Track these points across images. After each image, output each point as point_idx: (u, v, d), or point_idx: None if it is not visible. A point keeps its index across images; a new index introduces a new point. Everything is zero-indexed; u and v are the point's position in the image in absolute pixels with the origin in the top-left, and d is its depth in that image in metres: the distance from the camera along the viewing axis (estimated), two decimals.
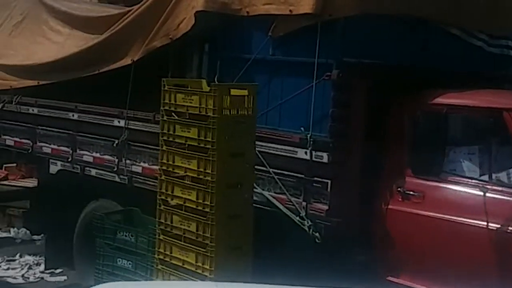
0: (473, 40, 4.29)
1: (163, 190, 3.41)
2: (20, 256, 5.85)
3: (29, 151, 5.24)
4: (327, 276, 3.49)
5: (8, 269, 5.60)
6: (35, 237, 6.29)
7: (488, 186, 3.38)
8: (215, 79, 3.99)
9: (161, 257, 3.40)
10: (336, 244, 3.65)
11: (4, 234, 6.48)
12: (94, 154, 4.79)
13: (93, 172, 4.80)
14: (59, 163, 5.02)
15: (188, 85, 3.43)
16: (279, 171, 3.76)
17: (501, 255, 3.32)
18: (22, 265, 5.68)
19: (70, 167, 4.94)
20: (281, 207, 3.72)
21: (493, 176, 3.42)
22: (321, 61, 3.65)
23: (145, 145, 4.47)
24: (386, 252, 3.69)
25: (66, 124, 4.96)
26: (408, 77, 3.76)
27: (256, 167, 3.51)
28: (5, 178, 6.65)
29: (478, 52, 4.30)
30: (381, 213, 3.70)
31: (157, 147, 4.29)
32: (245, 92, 3.29)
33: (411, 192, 3.63)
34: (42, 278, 5.42)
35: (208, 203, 3.20)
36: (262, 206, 3.69)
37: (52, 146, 5.06)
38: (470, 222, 3.40)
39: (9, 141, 5.43)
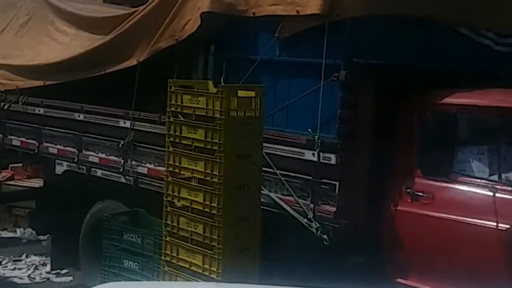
0: (481, 39, 4.25)
1: (170, 192, 3.40)
2: (26, 256, 5.86)
3: (35, 152, 5.24)
4: (335, 278, 3.47)
5: (14, 269, 5.61)
6: (41, 237, 6.30)
7: (498, 186, 3.35)
8: (221, 80, 3.97)
9: (168, 258, 3.38)
10: (344, 246, 3.63)
11: (10, 234, 6.50)
12: (100, 154, 4.78)
13: (99, 173, 4.79)
14: (65, 163, 5.02)
15: (194, 86, 3.41)
16: (286, 173, 3.73)
17: (511, 256, 3.29)
18: (28, 265, 5.69)
19: (76, 168, 4.94)
20: (288, 209, 3.69)
21: (503, 176, 3.39)
22: (328, 61, 3.63)
23: (150, 146, 4.46)
24: (395, 254, 3.66)
25: (72, 124, 4.96)
26: (416, 77, 3.73)
27: (263, 168, 3.49)
28: (11, 178, 6.65)
29: (486, 51, 4.26)
30: (390, 214, 3.67)
31: (163, 148, 4.28)
32: (252, 94, 3.27)
33: (420, 193, 3.60)
34: (48, 278, 5.42)
35: (215, 205, 3.18)
36: (269, 208, 3.67)
37: (58, 146, 5.06)
38: (480, 223, 3.37)
39: (16, 141, 5.43)
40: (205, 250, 3.21)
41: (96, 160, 4.79)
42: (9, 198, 6.18)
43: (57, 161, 5.07)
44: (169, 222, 3.38)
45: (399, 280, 3.64)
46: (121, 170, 4.61)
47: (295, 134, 3.75)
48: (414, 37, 3.94)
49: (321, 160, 3.61)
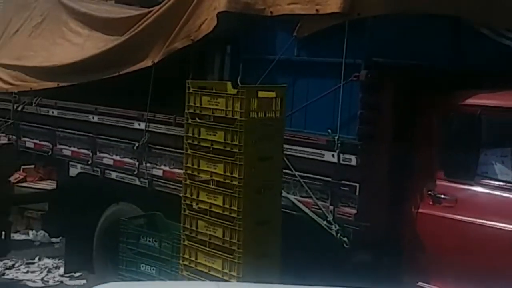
0: (501, 39, 4.17)
1: (188, 195, 3.34)
2: (39, 259, 5.82)
3: (49, 154, 5.21)
4: (354, 281, 3.39)
5: (27, 272, 5.57)
6: (54, 239, 6.26)
7: None
8: (238, 81, 3.91)
9: (186, 263, 3.32)
10: (365, 249, 3.56)
11: (23, 237, 6.46)
12: (114, 157, 4.74)
13: (113, 175, 4.75)
14: (79, 165, 4.98)
15: (212, 87, 3.35)
16: (305, 174, 3.67)
17: None
18: (41, 268, 5.64)
19: (90, 170, 4.89)
20: (307, 211, 3.63)
21: None
22: (348, 61, 3.56)
23: (166, 148, 4.41)
24: (416, 257, 3.59)
25: (86, 126, 4.92)
26: (438, 77, 3.65)
27: None
28: (24, 180, 6.62)
29: (507, 51, 4.17)
30: (411, 217, 3.60)
31: (178, 150, 4.27)
32: (273, 94, 3.21)
33: (443, 196, 3.52)
34: (62, 281, 5.37)
35: (235, 208, 3.11)
36: (287, 210, 3.60)
37: (72, 148, 5.02)
38: (503, 227, 3.29)
39: (29, 143, 5.41)
40: (225, 254, 3.14)
41: (111, 162, 4.75)
42: (21, 200, 6.14)
43: (71, 163, 5.04)
44: (187, 226, 3.33)
45: (420, 284, 3.56)
46: (135, 172, 4.56)
47: (314, 135, 3.69)
48: (435, 36, 3.87)
49: (341, 161, 3.54)
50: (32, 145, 5.39)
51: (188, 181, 3.34)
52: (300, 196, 3.68)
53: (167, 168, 4.39)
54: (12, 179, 5.44)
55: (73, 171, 5.03)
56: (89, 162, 4.88)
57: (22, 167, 6.68)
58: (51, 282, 5.36)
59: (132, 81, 4.67)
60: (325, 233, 3.53)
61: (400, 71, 3.58)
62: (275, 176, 3.24)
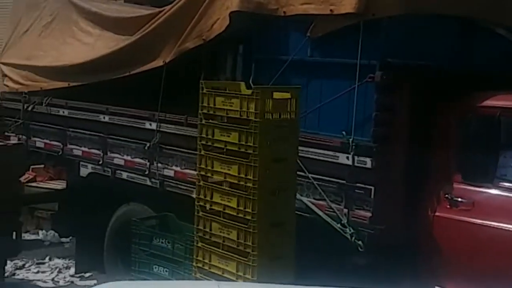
0: None
1: (201, 196, 3.31)
2: (50, 259, 5.81)
3: (59, 153, 5.20)
4: (369, 284, 3.36)
5: (37, 272, 5.56)
6: (64, 239, 6.25)
7: None
8: (250, 82, 3.88)
9: (200, 265, 3.29)
10: (380, 253, 3.51)
11: (33, 237, 6.45)
12: (125, 157, 4.72)
13: (124, 175, 4.73)
14: (89, 165, 4.96)
15: (226, 88, 3.31)
16: (318, 177, 3.63)
17: None
18: (51, 268, 5.64)
19: (101, 170, 4.87)
20: (321, 214, 3.59)
21: None
22: (363, 62, 3.51)
23: (177, 149, 4.38)
24: (432, 261, 3.54)
25: (97, 126, 4.90)
26: (454, 78, 3.60)
27: None
28: (33, 179, 6.61)
29: None
30: (427, 220, 3.55)
31: (189, 151, 4.24)
32: (287, 95, 3.17)
33: (460, 199, 3.47)
34: (72, 282, 5.36)
35: (250, 210, 3.08)
36: (301, 213, 3.56)
37: (83, 148, 5.00)
38: None
39: (39, 143, 5.39)
40: (239, 256, 3.11)
41: (122, 162, 4.73)
42: (31, 200, 6.13)
43: (81, 163, 5.02)
44: (201, 227, 3.29)
45: (437, 287, 3.52)
46: (147, 172, 4.54)
47: (328, 136, 3.64)
48: (451, 37, 3.82)
49: (356, 164, 3.50)
50: (42, 145, 5.37)
51: (201, 182, 3.30)
52: (314, 199, 3.64)
53: (178, 168, 4.37)
54: (22, 179, 5.43)
55: (83, 171, 5.02)
56: (100, 162, 4.86)
57: (32, 166, 6.68)
58: (61, 283, 5.35)
59: (143, 81, 4.65)
60: (339, 236, 3.49)
61: (416, 72, 3.53)
62: (289, 177, 3.21)
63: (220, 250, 3.21)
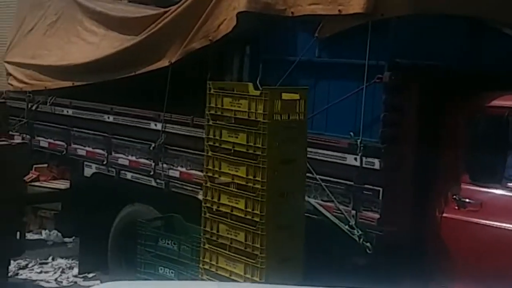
0: None
1: (209, 198, 3.28)
2: (53, 259, 5.79)
3: (63, 153, 5.18)
4: (377, 286, 3.34)
5: (41, 272, 5.54)
6: (67, 239, 6.23)
7: None
8: (257, 82, 3.85)
9: (206, 267, 3.27)
10: (388, 254, 3.49)
11: (36, 236, 6.43)
12: (130, 157, 4.70)
13: (129, 175, 4.70)
14: (94, 165, 4.94)
15: (234, 88, 3.29)
16: (326, 178, 3.61)
17: None
18: (55, 268, 5.61)
19: (105, 170, 4.85)
20: (328, 215, 3.56)
21: None
22: (371, 62, 3.49)
23: (183, 149, 4.36)
24: (441, 262, 3.52)
25: (102, 126, 4.88)
26: (463, 78, 3.58)
27: None
28: (36, 179, 6.59)
29: None
30: (435, 221, 3.53)
31: (195, 151, 4.22)
32: (296, 96, 3.14)
33: (468, 200, 3.45)
34: (75, 282, 5.34)
35: (258, 212, 3.05)
36: (308, 214, 3.53)
37: (87, 148, 4.98)
38: None
39: (43, 143, 5.37)
40: (247, 259, 3.09)
41: (126, 162, 4.70)
42: (35, 199, 6.11)
43: (85, 163, 5.00)
44: (208, 229, 3.27)
45: None
46: (151, 173, 4.52)
47: (336, 137, 3.62)
48: (459, 37, 3.80)
49: (364, 165, 3.47)
50: (46, 145, 5.35)
51: (208, 184, 3.28)
52: (322, 200, 3.62)
53: (184, 169, 4.34)
54: (25, 178, 5.40)
55: (87, 171, 5.00)
56: (104, 162, 4.83)
57: (35, 166, 6.66)
58: (65, 283, 5.33)
59: (148, 81, 4.63)
60: (347, 237, 3.47)
61: (425, 72, 3.51)
62: (298, 179, 3.18)
63: (228, 252, 3.18)
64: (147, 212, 4.59)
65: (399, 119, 3.50)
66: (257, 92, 3.12)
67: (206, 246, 3.28)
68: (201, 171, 4.14)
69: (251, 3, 3.87)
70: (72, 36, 5.21)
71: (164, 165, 4.44)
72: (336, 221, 3.52)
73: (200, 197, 4.14)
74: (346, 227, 3.48)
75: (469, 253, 3.43)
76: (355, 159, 3.49)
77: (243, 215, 3.12)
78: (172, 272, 3.72)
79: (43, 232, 6.47)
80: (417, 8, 3.51)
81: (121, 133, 4.76)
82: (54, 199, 6.04)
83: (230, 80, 4.17)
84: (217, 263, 3.23)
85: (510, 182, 3.36)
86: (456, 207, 3.49)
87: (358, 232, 3.44)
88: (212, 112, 3.27)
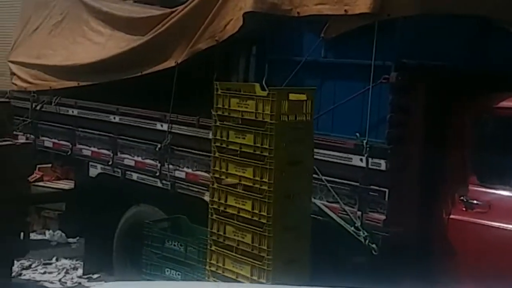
0: None
1: (215, 199, 3.27)
2: (57, 260, 5.78)
3: (68, 153, 5.17)
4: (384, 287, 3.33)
5: (44, 273, 5.53)
6: (71, 240, 6.22)
7: None
8: (263, 82, 3.84)
9: (213, 269, 3.26)
10: (394, 256, 3.48)
11: (39, 237, 6.42)
12: (135, 158, 4.69)
13: (135, 176, 4.69)
14: (99, 166, 4.93)
15: (240, 89, 3.28)
16: (331, 179, 3.59)
17: None
18: (59, 269, 5.60)
19: (110, 171, 4.84)
20: (334, 216, 3.55)
21: None
22: (378, 63, 3.48)
23: (189, 150, 4.35)
24: (447, 264, 3.50)
25: (107, 126, 4.87)
26: (470, 79, 3.56)
27: None
28: (40, 179, 6.59)
29: None
30: (442, 223, 3.51)
31: (201, 152, 4.22)
32: (303, 97, 3.13)
33: (475, 201, 3.43)
34: (80, 283, 5.33)
35: (265, 213, 3.04)
36: (314, 215, 3.52)
37: (92, 148, 4.98)
38: None
39: (48, 143, 5.37)
40: (253, 260, 3.08)
41: (132, 163, 4.70)
42: (38, 199, 6.10)
43: (91, 163, 4.99)
44: (214, 231, 3.26)
45: None
46: (157, 174, 4.51)
47: (342, 138, 3.61)
48: (466, 37, 3.78)
49: (370, 166, 3.46)
50: (50, 145, 5.35)
51: (215, 185, 3.27)
52: (327, 201, 3.60)
53: (190, 170, 4.33)
54: (29, 178, 5.40)
55: (93, 172, 4.99)
56: (110, 163, 4.83)
57: (38, 166, 6.65)
58: (69, 284, 5.32)
59: (154, 82, 4.62)
60: (353, 239, 3.46)
61: (431, 73, 3.50)
62: (305, 180, 3.17)
63: (234, 254, 3.17)
64: (152, 213, 4.58)
65: (406, 120, 3.48)
66: (265, 93, 3.11)
67: (213, 247, 3.27)
68: (207, 172, 4.17)
69: (257, 3, 3.86)
70: (77, 36, 5.20)
71: (170, 166, 4.43)
72: (342, 223, 3.50)
73: (206, 198, 4.14)
74: (352, 228, 3.47)
75: (476, 255, 3.41)
76: (361, 160, 3.48)
77: (250, 217, 3.11)
78: (178, 274, 3.71)
79: (47, 232, 6.46)
80: (423, 8, 3.49)
81: (126, 133, 4.75)
82: (58, 199, 6.02)
83: (236, 81, 4.17)
84: (223, 265, 3.22)
85: None
86: (464, 209, 3.48)
87: (364, 233, 3.43)
88: (219, 112, 3.26)
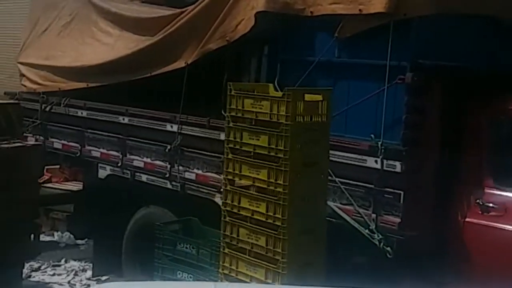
0: None
1: (229, 201, 3.23)
2: (66, 262, 5.75)
3: (77, 155, 5.14)
4: None
5: (53, 274, 5.50)
6: (79, 241, 6.19)
7: None
8: (275, 83, 3.80)
9: (226, 271, 3.21)
10: (409, 259, 3.42)
11: (48, 238, 6.39)
12: (145, 159, 4.65)
13: (144, 178, 4.66)
14: (108, 167, 4.90)
15: (253, 89, 3.23)
16: (345, 181, 3.54)
17: None
18: (68, 271, 5.57)
19: (120, 172, 4.81)
20: (348, 219, 3.50)
21: None
22: (393, 63, 3.43)
23: (199, 151, 4.31)
24: (463, 268, 3.44)
25: (116, 128, 4.83)
26: (486, 79, 3.51)
27: None
28: (49, 180, 6.56)
29: None
30: (458, 226, 3.46)
31: (212, 153, 4.17)
32: (319, 97, 3.08)
33: (491, 204, 3.38)
34: (89, 285, 5.29)
35: (280, 216, 3.00)
36: (327, 218, 3.48)
37: (102, 150, 4.94)
38: None
39: (57, 144, 5.34)
40: (268, 263, 3.03)
41: (141, 164, 4.66)
42: (48, 201, 6.08)
43: (100, 165, 4.96)
44: (227, 233, 3.21)
45: None
46: (167, 175, 4.47)
47: (356, 139, 3.56)
48: (482, 37, 3.73)
49: (385, 168, 3.41)
50: (60, 146, 5.32)
51: (228, 187, 3.22)
52: (341, 203, 3.56)
53: (200, 171, 4.29)
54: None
55: (102, 173, 4.95)
56: (119, 164, 4.79)
57: (46, 167, 6.62)
58: (78, 286, 5.29)
59: (164, 82, 4.59)
60: (367, 242, 3.41)
61: (447, 73, 3.45)
62: (320, 182, 3.13)
63: (248, 257, 3.13)
64: (162, 215, 4.55)
65: (421, 121, 3.43)
66: (280, 94, 3.06)
67: (226, 250, 3.22)
68: (217, 173, 4.14)
69: (269, 2, 3.82)
70: (86, 37, 5.17)
71: (180, 167, 4.39)
72: (356, 225, 3.46)
73: (217, 199, 4.12)
74: (366, 231, 3.42)
75: (492, 258, 3.36)
76: (376, 161, 3.43)
77: (264, 219, 3.06)
78: (190, 277, 3.67)
79: (55, 234, 6.43)
80: (440, 7, 3.44)
81: (136, 134, 4.72)
82: (67, 200, 6.00)
83: (247, 81, 4.12)
84: (237, 268, 3.17)
85: None
86: (479, 212, 3.42)
87: (378, 236, 3.38)
88: (233, 113, 3.21)
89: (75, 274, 5.49)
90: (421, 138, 3.44)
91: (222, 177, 3.35)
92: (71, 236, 6.12)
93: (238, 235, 3.18)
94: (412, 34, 3.48)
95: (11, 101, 5.21)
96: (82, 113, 5.12)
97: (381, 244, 3.37)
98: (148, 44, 4.60)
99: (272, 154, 3.03)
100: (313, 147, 3.07)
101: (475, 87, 3.50)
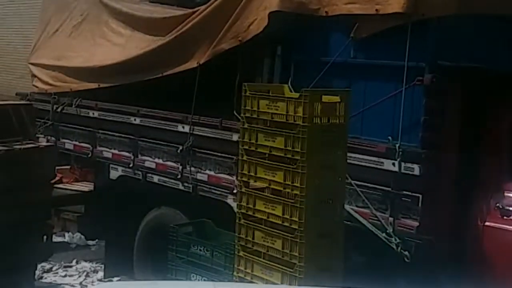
0: None
1: (243, 203, 3.18)
2: (77, 263, 5.73)
3: (89, 156, 5.12)
4: None
5: (65, 276, 5.48)
6: (90, 242, 6.17)
7: None
8: (289, 84, 3.74)
9: (241, 275, 3.17)
10: (427, 264, 3.36)
11: (59, 239, 6.37)
12: (156, 160, 4.61)
13: (156, 179, 4.62)
14: (120, 168, 4.86)
15: (268, 90, 3.18)
16: (362, 183, 3.49)
17: None
18: (79, 272, 5.55)
19: (131, 173, 4.78)
20: (365, 222, 3.45)
21: None
22: (411, 64, 3.37)
23: (211, 152, 4.27)
24: (482, 273, 3.38)
25: (128, 128, 4.80)
26: (507, 81, 3.44)
27: None
28: (59, 181, 6.55)
29: None
30: (477, 230, 3.40)
31: (224, 155, 4.13)
32: (337, 99, 3.03)
33: None
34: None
35: (297, 219, 2.94)
36: (344, 221, 3.43)
37: (113, 151, 4.91)
38: None
39: (68, 145, 5.31)
40: (284, 267, 2.98)
41: (153, 165, 4.62)
42: (59, 201, 6.06)
43: (111, 166, 4.93)
44: (242, 236, 3.17)
45: None
46: (179, 176, 4.43)
47: (373, 142, 3.50)
48: (504, 37, 3.65)
49: (403, 171, 3.35)
50: (71, 147, 5.30)
51: (243, 189, 3.18)
52: (357, 206, 3.50)
53: (212, 173, 4.25)
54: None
55: (113, 174, 4.93)
56: (131, 165, 4.76)
57: (57, 168, 6.60)
58: (89, 287, 5.27)
59: (176, 83, 4.55)
60: (384, 246, 3.35)
61: (467, 75, 3.38)
62: (338, 185, 3.07)
63: (263, 260, 3.08)
64: (173, 216, 4.51)
65: (440, 123, 3.38)
66: (296, 94, 3.01)
67: (241, 253, 3.18)
68: (230, 174, 4.10)
69: (283, 2, 3.77)
70: (97, 37, 5.14)
71: (192, 168, 4.35)
72: (373, 229, 3.40)
73: (229, 201, 4.08)
74: (383, 234, 3.36)
75: None
76: (393, 164, 3.37)
77: (280, 222, 3.01)
78: (204, 280, 3.62)
79: (66, 234, 6.42)
80: (459, 7, 3.37)
81: (147, 135, 4.68)
82: (78, 201, 5.98)
83: (260, 82, 4.07)
84: (252, 271, 3.13)
85: None
86: (500, 216, 3.36)
87: (395, 240, 3.32)
88: (248, 115, 3.17)
89: (87, 275, 5.47)
90: (440, 141, 3.38)
91: (236, 178, 3.31)
92: (82, 237, 6.10)
93: (253, 238, 3.13)
94: (431, 34, 3.41)
95: (24, 102, 5.19)
96: (93, 113, 5.09)
97: (399, 248, 3.31)
98: (159, 44, 4.57)
99: (288, 156, 2.98)
100: (330, 149, 3.02)
101: (495, 88, 3.43)
